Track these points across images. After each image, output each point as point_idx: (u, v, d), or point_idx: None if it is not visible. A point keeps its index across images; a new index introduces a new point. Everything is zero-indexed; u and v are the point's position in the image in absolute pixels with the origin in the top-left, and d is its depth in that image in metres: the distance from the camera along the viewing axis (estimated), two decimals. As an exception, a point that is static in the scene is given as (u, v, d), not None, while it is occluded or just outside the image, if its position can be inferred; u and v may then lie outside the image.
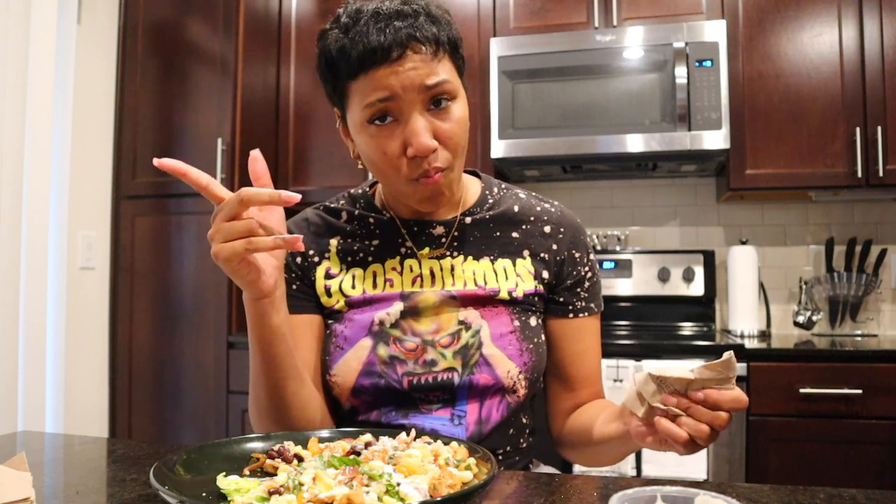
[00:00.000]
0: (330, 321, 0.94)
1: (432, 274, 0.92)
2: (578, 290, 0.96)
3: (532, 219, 0.96)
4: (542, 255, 0.95)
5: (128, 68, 2.54)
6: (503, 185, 1.01)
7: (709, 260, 2.51)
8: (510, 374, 0.88)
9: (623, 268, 2.54)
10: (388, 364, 0.88)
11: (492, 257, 0.93)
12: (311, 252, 0.95)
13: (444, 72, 0.82)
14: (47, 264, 2.21)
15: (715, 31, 2.21)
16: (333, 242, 0.95)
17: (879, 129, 2.15)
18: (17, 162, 2.05)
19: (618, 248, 2.62)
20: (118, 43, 2.56)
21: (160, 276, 2.45)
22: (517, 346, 0.90)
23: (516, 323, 0.91)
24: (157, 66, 2.51)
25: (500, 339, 0.89)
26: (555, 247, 0.95)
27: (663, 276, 2.50)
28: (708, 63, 2.19)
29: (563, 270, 0.95)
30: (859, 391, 1.86)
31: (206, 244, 2.38)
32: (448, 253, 0.93)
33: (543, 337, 0.94)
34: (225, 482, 0.58)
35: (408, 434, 0.67)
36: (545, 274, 0.94)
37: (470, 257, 0.93)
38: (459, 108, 0.85)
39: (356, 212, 0.96)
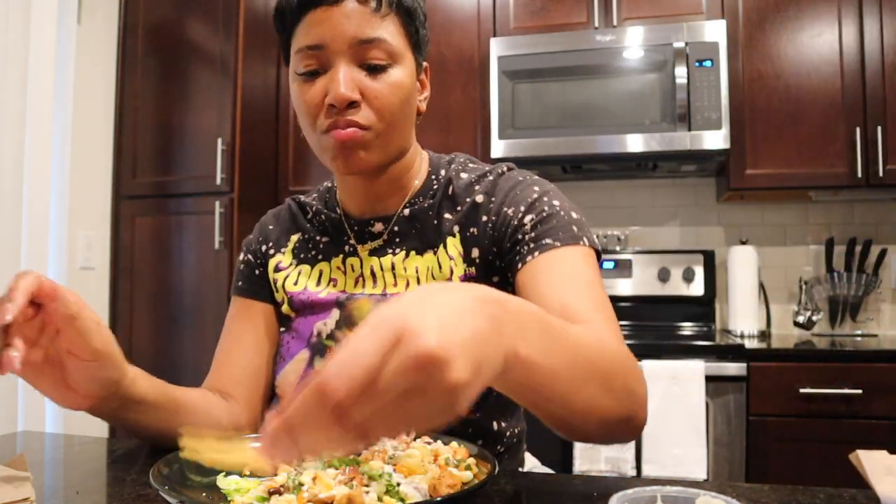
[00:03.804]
0: (282, 329, 0.92)
1: (373, 274, 0.87)
2: (521, 236, 0.80)
3: (468, 194, 0.86)
4: (471, 230, 0.84)
5: (128, 68, 2.54)
6: (452, 165, 0.91)
7: (709, 260, 2.51)
8: None
9: (623, 268, 2.55)
10: None
11: (435, 249, 0.85)
12: (270, 244, 0.95)
13: (385, 32, 0.77)
14: (47, 264, 2.21)
15: (715, 31, 2.21)
16: (294, 238, 0.94)
17: (879, 129, 2.15)
18: (17, 162, 2.05)
19: (618, 249, 2.62)
20: (118, 43, 2.56)
21: (160, 276, 2.45)
22: None
23: None
24: (157, 66, 2.51)
25: None
26: (484, 218, 0.84)
27: (663, 276, 2.50)
28: (708, 63, 2.19)
29: (498, 236, 0.83)
30: (859, 391, 1.86)
31: (206, 244, 2.38)
32: (389, 250, 0.87)
33: None
34: (225, 482, 0.58)
35: (407, 434, 0.67)
36: (475, 252, 0.83)
37: (413, 252, 0.85)
38: (398, 73, 0.79)
39: (315, 207, 0.93)
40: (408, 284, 0.83)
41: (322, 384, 0.38)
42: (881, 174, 2.15)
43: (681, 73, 2.20)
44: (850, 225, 2.50)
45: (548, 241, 0.78)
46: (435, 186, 0.88)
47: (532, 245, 0.79)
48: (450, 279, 0.83)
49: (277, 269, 0.92)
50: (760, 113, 2.26)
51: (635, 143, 2.23)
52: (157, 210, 2.47)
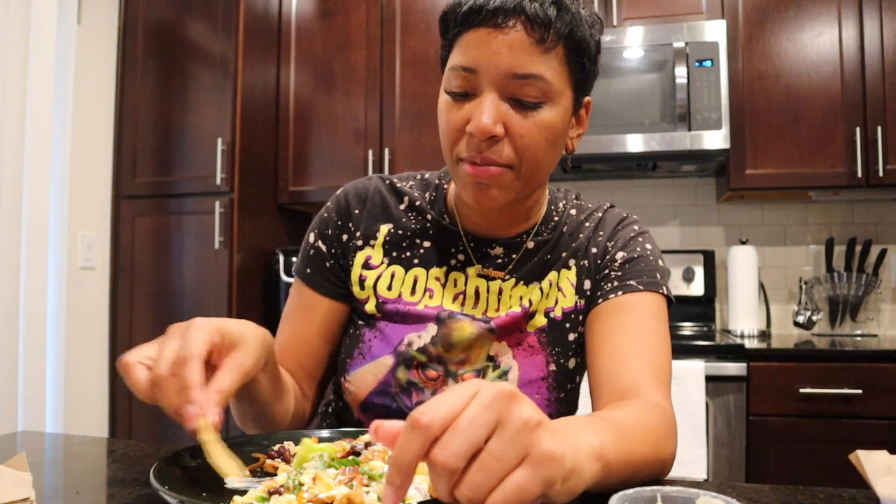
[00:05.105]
0: (360, 322, 0.87)
1: (477, 294, 0.85)
2: (609, 272, 0.84)
3: (581, 229, 0.88)
4: (583, 262, 0.86)
5: (128, 68, 2.54)
6: (564, 199, 0.92)
7: (709, 260, 2.51)
8: None
9: (623, 268, 2.54)
10: (404, 389, 0.83)
11: (540, 281, 0.85)
12: (357, 234, 0.88)
13: (545, 67, 0.71)
14: (47, 264, 2.21)
15: (715, 31, 2.21)
16: (384, 229, 0.88)
17: (879, 129, 2.15)
18: (17, 162, 2.05)
19: (618, 248, 2.62)
20: (118, 43, 2.56)
21: (160, 276, 2.45)
22: (546, 395, 0.82)
23: (552, 367, 0.83)
24: (157, 66, 2.51)
25: (528, 386, 0.82)
26: (594, 250, 0.86)
27: (663, 276, 2.50)
28: (708, 63, 2.19)
29: (598, 267, 0.85)
30: (859, 391, 1.86)
31: (206, 244, 2.38)
32: (501, 276, 0.85)
33: (579, 379, 0.87)
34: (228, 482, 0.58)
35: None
36: (587, 284, 0.85)
37: (521, 282, 0.85)
38: (549, 113, 0.74)
39: (418, 202, 0.88)
40: (509, 309, 0.84)
41: (414, 417, 0.41)
42: (881, 174, 2.15)
43: (681, 73, 2.20)
44: (850, 225, 2.50)
45: (632, 282, 0.82)
46: (556, 218, 0.88)
47: (616, 283, 0.83)
48: (552, 308, 0.84)
49: (367, 266, 0.87)
50: (760, 113, 2.26)
51: (635, 143, 2.23)
52: (157, 210, 2.47)
